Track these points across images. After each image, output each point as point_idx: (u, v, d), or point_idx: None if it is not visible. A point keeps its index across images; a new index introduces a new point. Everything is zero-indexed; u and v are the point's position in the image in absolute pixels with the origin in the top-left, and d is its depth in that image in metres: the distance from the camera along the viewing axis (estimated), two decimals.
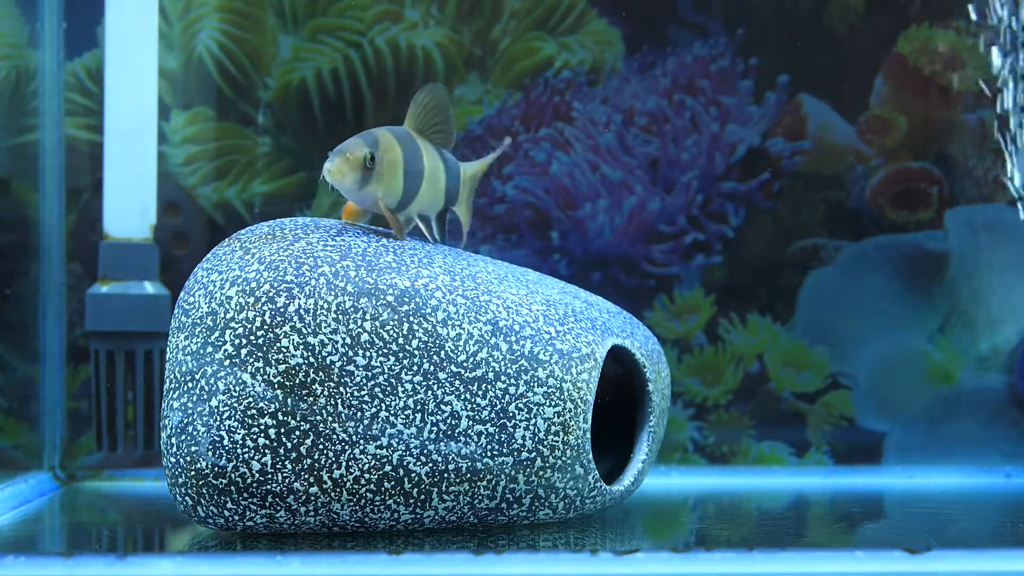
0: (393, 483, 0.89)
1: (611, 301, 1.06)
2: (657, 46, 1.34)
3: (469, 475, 0.91)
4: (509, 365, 0.92)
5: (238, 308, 0.89)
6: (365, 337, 0.89)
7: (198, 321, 0.90)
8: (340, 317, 0.88)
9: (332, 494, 0.89)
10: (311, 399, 0.88)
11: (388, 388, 0.89)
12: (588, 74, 1.34)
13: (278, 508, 0.89)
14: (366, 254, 0.92)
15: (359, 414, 0.88)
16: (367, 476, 0.89)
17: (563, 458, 0.94)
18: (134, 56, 1.24)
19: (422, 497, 0.90)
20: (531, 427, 0.92)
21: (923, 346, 1.34)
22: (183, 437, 0.89)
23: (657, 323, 1.33)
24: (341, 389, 0.88)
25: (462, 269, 0.95)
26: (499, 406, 0.91)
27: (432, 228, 1.00)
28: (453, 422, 0.90)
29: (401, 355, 0.89)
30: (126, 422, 1.23)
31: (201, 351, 0.89)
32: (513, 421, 0.92)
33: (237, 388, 0.88)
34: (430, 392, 0.90)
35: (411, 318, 0.90)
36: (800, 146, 1.34)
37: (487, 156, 1.07)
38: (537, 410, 0.92)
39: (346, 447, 0.88)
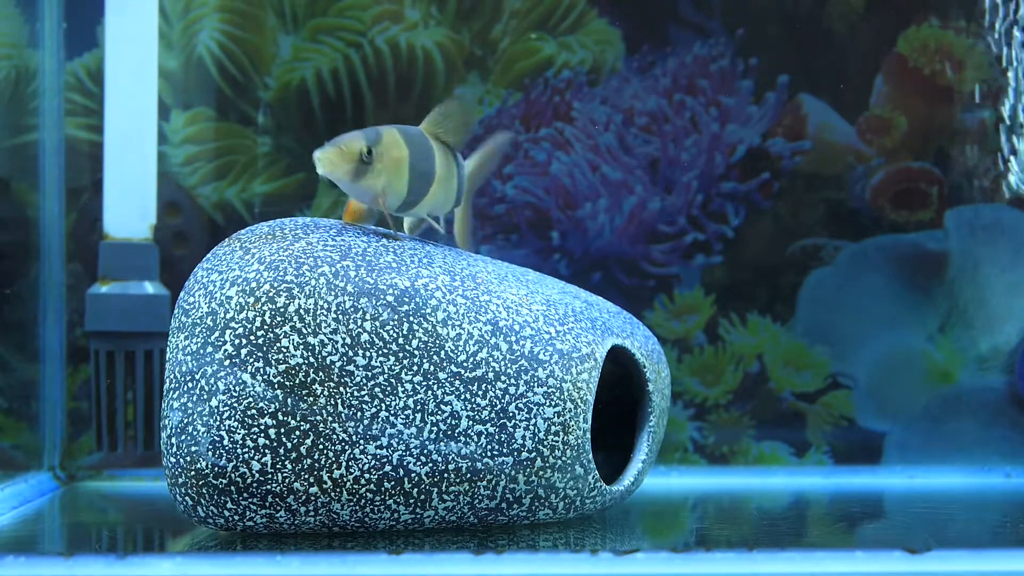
0: (393, 483, 0.89)
1: (611, 301, 1.06)
2: (657, 46, 1.34)
3: (469, 475, 0.91)
4: (509, 365, 0.92)
5: (238, 308, 0.88)
6: (365, 337, 0.89)
7: (198, 321, 0.90)
8: (340, 317, 0.88)
9: (332, 494, 0.89)
10: (311, 399, 0.87)
11: (388, 388, 0.89)
12: (588, 74, 1.34)
13: (278, 508, 0.89)
14: (366, 254, 0.92)
15: (359, 414, 0.88)
16: (367, 476, 0.89)
17: (563, 458, 0.94)
18: (134, 56, 1.24)
19: (422, 497, 0.90)
20: (531, 427, 0.92)
21: (923, 346, 1.34)
22: (183, 437, 0.89)
23: (657, 323, 1.33)
24: (341, 389, 0.88)
25: (462, 269, 0.95)
26: (499, 406, 0.91)
27: (440, 224, 0.99)
28: (453, 422, 0.90)
29: (401, 355, 0.89)
30: (126, 422, 1.23)
31: (201, 351, 0.89)
32: (513, 421, 0.92)
33: (237, 388, 0.87)
34: (430, 392, 0.90)
35: (411, 318, 0.90)
36: (800, 146, 1.34)
37: (480, 148, 1.07)
38: (537, 410, 0.92)
39: (346, 447, 0.88)
